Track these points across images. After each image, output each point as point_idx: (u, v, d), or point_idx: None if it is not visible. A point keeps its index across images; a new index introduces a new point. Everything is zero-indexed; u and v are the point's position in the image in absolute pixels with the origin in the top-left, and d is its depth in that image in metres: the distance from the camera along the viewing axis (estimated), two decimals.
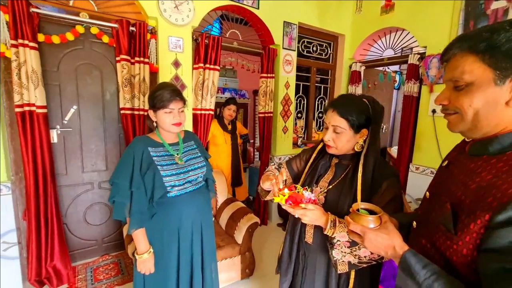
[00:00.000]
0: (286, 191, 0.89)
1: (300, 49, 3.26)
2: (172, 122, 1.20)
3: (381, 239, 0.64)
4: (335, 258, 0.90)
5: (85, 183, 2.27)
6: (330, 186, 1.03)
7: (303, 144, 3.49)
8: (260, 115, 2.95)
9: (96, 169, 2.30)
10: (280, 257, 1.17)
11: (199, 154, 1.34)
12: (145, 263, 1.17)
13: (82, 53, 2.11)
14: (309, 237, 1.05)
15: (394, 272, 1.36)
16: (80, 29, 1.98)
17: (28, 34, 1.73)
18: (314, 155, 1.15)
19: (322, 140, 1.11)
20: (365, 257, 0.87)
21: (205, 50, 2.41)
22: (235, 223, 2.09)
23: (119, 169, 1.16)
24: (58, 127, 2.09)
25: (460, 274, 0.56)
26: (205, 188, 1.35)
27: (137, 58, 2.13)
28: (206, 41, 2.40)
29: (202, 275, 1.29)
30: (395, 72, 4.21)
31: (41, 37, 1.86)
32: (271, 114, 2.98)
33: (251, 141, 5.13)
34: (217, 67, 2.47)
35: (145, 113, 2.23)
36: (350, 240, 0.87)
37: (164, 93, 1.18)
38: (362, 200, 0.92)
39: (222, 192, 2.40)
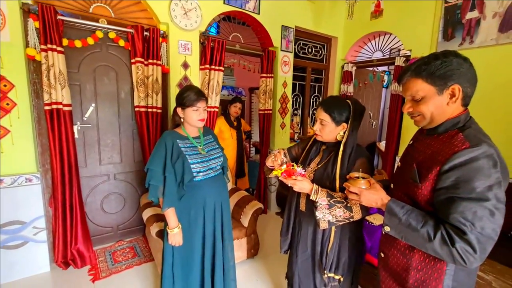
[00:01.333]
0: (283, 167, 1.18)
1: (296, 50, 3.50)
2: (198, 118, 1.44)
3: (372, 195, 0.94)
4: (318, 217, 1.17)
5: (102, 174, 2.48)
6: (318, 167, 1.33)
7: (299, 139, 3.75)
8: (260, 112, 3.20)
9: (112, 162, 2.51)
10: (282, 222, 1.49)
11: (217, 146, 1.59)
12: (175, 236, 1.41)
13: (100, 56, 2.30)
14: (302, 206, 1.37)
15: None
16: (99, 34, 2.18)
17: (56, 39, 1.93)
18: (309, 143, 1.46)
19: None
20: (340, 216, 1.16)
21: (211, 52, 2.63)
22: (241, 209, 2.34)
23: (154, 158, 1.39)
24: (78, 123, 2.29)
25: (423, 208, 0.87)
26: (222, 175, 1.59)
27: (150, 60, 2.33)
28: (212, 44, 2.62)
29: (222, 246, 1.55)
30: (384, 72, 4.51)
31: (65, 42, 2.05)
32: (270, 111, 3.23)
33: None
34: (221, 68, 2.69)
35: (158, 110, 2.44)
36: (329, 204, 1.15)
37: (192, 94, 1.41)
38: (340, 176, 1.23)
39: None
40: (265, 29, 3.01)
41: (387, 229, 0.90)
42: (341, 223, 1.19)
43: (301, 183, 1.15)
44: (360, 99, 4.14)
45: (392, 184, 1.07)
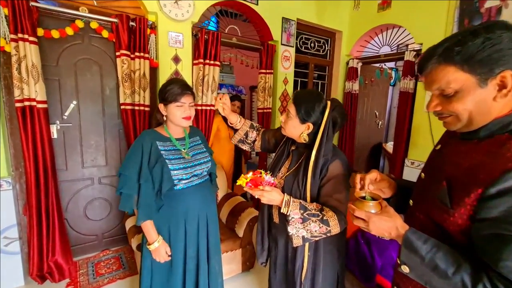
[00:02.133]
0: (249, 174, 1.01)
1: (298, 45, 3.28)
2: (182, 115, 1.23)
3: (384, 222, 0.69)
4: (290, 233, 1.00)
5: (85, 178, 2.27)
6: (288, 173, 1.15)
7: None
8: (259, 111, 2.98)
9: (96, 165, 2.30)
10: (256, 233, 1.32)
11: (205, 149, 1.37)
12: (158, 251, 1.20)
13: (81, 48, 2.10)
14: (276, 217, 1.20)
15: (393, 261, 1.41)
16: (79, 23, 1.97)
17: (28, 29, 1.72)
18: (283, 140, 1.28)
19: None
20: (315, 231, 0.99)
21: (205, 45, 2.42)
22: (235, 218, 2.13)
23: (128, 162, 1.18)
24: (58, 122, 2.08)
25: (455, 241, 0.64)
26: (209, 182, 1.38)
27: (137, 53, 2.12)
28: (205, 36, 2.41)
29: (208, 266, 1.33)
30: (391, 68, 4.27)
31: (40, 32, 1.84)
32: (270, 110, 3.01)
33: None
34: (217, 62, 2.48)
35: (145, 108, 2.23)
36: (302, 217, 0.99)
37: (176, 87, 1.21)
38: (311, 188, 1.06)
39: (221, 187, 2.42)
40: (264, 21, 2.79)
41: (405, 269, 0.67)
42: (317, 239, 1.03)
43: (270, 194, 0.99)
44: (366, 97, 3.91)
45: (411, 201, 0.83)
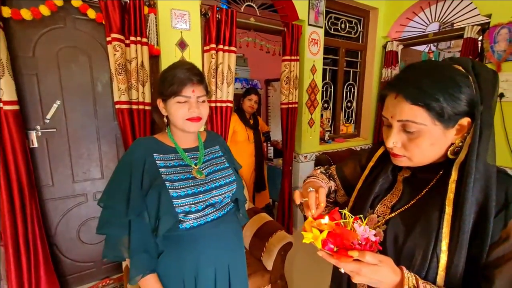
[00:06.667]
0: (325, 220, 0.50)
1: (327, 26, 2.75)
2: (186, 116, 0.80)
3: None
4: None
5: (76, 195, 1.87)
6: (394, 214, 0.61)
7: (330, 140, 3.01)
8: (283, 106, 2.48)
9: (90, 178, 1.89)
10: None
11: (227, 165, 0.92)
12: None
13: (63, 34, 1.67)
14: None
15: None
16: (57, 1, 1.54)
17: None
18: (372, 163, 0.73)
19: (382, 143, 0.68)
20: None
21: (217, 27, 1.95)
22: (262, 243, 1.66)
23: (112, 186, 0.78)
24: (38, 127, 1.68)
25: None
26: (233, 213, 0.91)
27: (132, 38, 1.68)
28: (217, 16, 1.93)
29: None
30: (432, 51, 3.65)
31: (6, 11, 1.43)
32: (296, 105, 2.51)
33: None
34: (233, 48, 2.01)
35: (146, 107, 1.79)
36: None
37: (178, 74, 0.79)
38: (459, 247, 0.50)
39: None
40: None
41: None
42: None
43: (376, 272, 0.47)
44: None
45: None
